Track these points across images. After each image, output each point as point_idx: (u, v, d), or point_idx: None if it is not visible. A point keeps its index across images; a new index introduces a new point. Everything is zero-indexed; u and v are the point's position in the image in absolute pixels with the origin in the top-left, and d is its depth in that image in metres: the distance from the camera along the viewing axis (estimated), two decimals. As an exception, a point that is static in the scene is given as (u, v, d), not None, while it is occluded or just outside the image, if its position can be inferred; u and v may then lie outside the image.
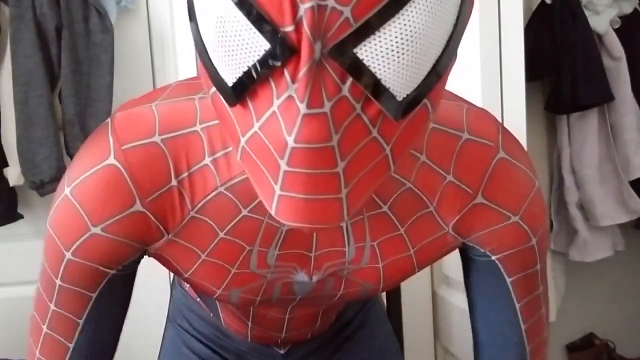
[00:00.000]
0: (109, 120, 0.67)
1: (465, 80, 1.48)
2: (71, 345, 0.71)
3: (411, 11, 0.44)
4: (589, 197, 2.02)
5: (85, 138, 1.66)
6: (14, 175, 1.69)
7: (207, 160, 0.65)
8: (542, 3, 1.96)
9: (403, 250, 0.71)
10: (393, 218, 0.69)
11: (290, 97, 0.45)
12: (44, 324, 0.71)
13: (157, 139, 0.64)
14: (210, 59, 0.49)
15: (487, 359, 0.81)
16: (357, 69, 0.45)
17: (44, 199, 1.76)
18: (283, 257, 0.70)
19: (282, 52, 0.44)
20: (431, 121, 0.53)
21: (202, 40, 0.50)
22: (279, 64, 0.44)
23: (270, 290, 0.73)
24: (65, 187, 0.66)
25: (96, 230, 0.65)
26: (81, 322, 0.71)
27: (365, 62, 0.45)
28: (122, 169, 0.64)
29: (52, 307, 0.70)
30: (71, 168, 0.67)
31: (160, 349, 1.03)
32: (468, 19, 0.52)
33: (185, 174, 0.65)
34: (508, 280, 0.74)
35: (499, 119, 1.40)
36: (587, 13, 1.94)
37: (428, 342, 2.02)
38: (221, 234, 0.67)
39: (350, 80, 0.45)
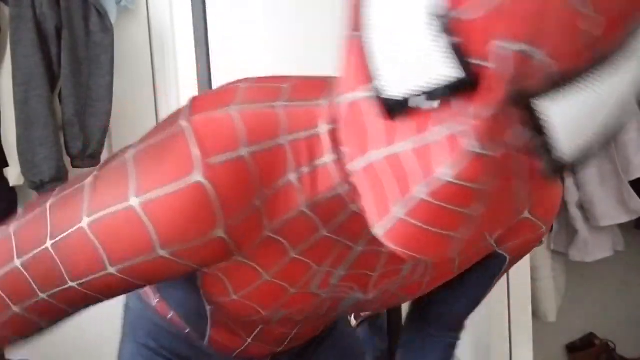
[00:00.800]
0: (185, 123, 0.57)
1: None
2: (43, 325, 0.64)
3: (612, 84, 0.43)
4: (589, 197, 2.02)
5: (85, 138, 1.67)
6: (14, 175, 1.69)
7: (292, 176, 0.58)
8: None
9: (450, 263, 0.71)
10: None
11: (464, 131, 0.42)
12: (14, 304, 0.61)
13: (244, 152, 0.56)
14: (375, 66, 0.46)
15: (450, 305, 0.86)
16: (536, 123, 0.43)
17: (44, 199, 1.76)
18: (346, 278, 0.67)
19: (473, 84, 0.41)
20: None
21: (368, 44, 0.46)
22: (464, 93, 0.42)
23: (317, 309, 0.70)
24: (131, 195, 0.56)
25: (163, 253, 0.57)
26: (70, 311, 0.63)
27: (548, 117, 0.43)
28: (210, 188, 0.55)
29: (42, 294, 0.61)
30: (141, 170, 0.56)
31: None
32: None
33: (268, 193, 0.58)
34: (502, 269, 0.78)
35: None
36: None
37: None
38: (293, 254, 0.62)
39: (528, 133, 0.44)
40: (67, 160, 1.68)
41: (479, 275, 0.80)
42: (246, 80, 0.64)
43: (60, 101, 1.68)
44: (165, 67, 1.84)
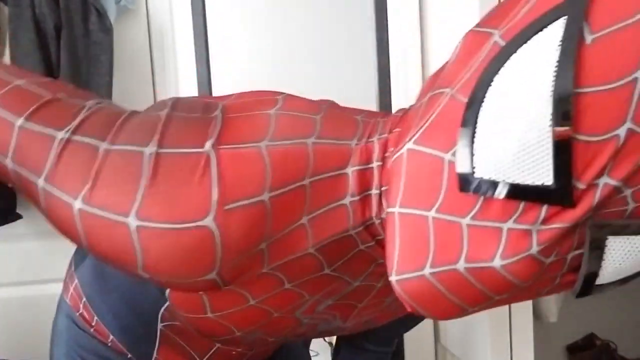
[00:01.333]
0: (211, 151, 0.52)
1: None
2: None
3: None
4: (590, 197, 2.01)
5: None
6: (13, 175, 1.68)
7: (305, 219, 0.55)
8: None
9: None
10: None
11: (529, 231, 0.43)
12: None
13: (265, 197, 0.53)
14: (474, 133, 0.45)
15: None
16: (595, 251, 0.45)
17: (43, 199, 1.76)
18: (332, 307, 0.66)
19: (561, 200, 0.42)
20: None
21: (477, 108, 0.45)
22: (549, 203, 0.43)
23: (293, 332, 0.68)
24: (131, 214, 0.52)
25: (143, 273, 0.55)
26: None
27: (606, 248, 0.45)
28: (216, 234, 0.52)
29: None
30: (151, 195, 0.52)
31: None
32: None
33: (278, 236, 0.55)
34: None
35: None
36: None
37: (428, 342, 2.01)
38: (287, 285, 0.59)
39: (580, 251, 0.45)
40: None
41: None
42: (279, 100, 0.59)
43: (59, 101, 1.67)
44: (165, 67, 1.83)
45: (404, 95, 1.81)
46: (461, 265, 0.45)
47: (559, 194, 0.42)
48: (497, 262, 0.44)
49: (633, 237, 0.44)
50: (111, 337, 0.80)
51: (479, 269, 0.45)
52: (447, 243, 0.46)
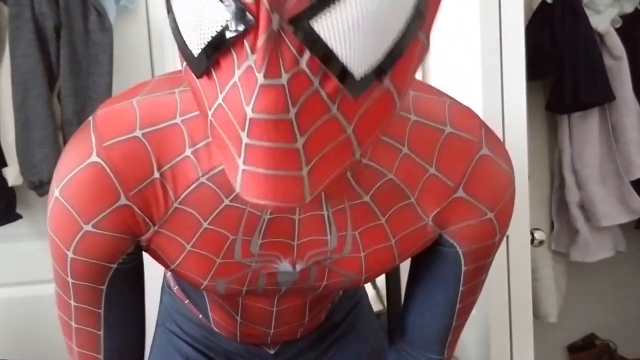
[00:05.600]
0: (90, 118, 0.68)
1: (466, 80, 1.47)
2: (100, 333, 0.75)
3: None
4: (590, 197, 2.01)
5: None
6: (12, 175, 1.68)
7: (188, 151, 0.66)
8: (543, 2, 1.95)
9: (384, 240, 0.72)
10: (374, 208, 0.70)
11: (249, 67, 0.45)
12: (71, 320, 0.75)
13: (138, 133, 0.65)
14: (180, 33, 0.50)
15: (416, 316, 0.84)
16: (314, 42, 0.45)
17: (42, 199, 1.76)
18: (266, 245, 0.71)
19: (241, 22, 0.44)
20: (398, 107, 0.52)
21: (174, 18, 0.50)
22: (236, 33, 0.45)
23: (255, 280, 0.74)
24: (54, 189, 0.67)
25: (88, 227, 0.67)
26: (101, 312, 0.74)
27: (321, 35, 0.44)
28: (104, 165, 0.65)
29: (72, 302, 0.73)
30: (58, 169, 0.68)
31: (150, 353, 1.02)
32: (435, 5, 0.52)
33: (167, 166, 0.66)
34: (463, 268, 0.76)
35: (500, 119, 1.39)
36: (588, 12, 1.93)
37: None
38: (205, 224, 0.68)
39: (308, 53, 0.45)
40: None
41: (438, 279, 0.78)
42: (164, 74, 0.72)
43: (59, 101, 1.67)
44: (165, 67, 1.83)
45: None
46: (243, 136, 0.47)
47: (237, 19, 0.45)
48: (249, 111, 0.45)
49: (333, 6, 0.44)
50: (186, 300, 0.96)
51: (250, 128, 0.46)
52: (227, 127, 0.48)
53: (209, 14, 0.46)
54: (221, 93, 0.47)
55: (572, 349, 2.34)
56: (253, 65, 0.44)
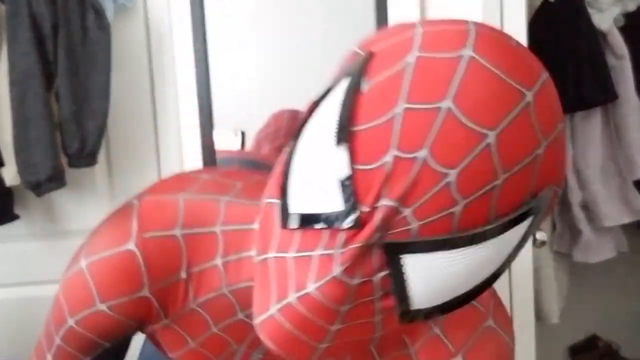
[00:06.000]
0: (136, 202, 0.70)
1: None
2: None
3: (466, 254, 0.49)
4: (592, 197, 2.00)
5: (82, 137, 1.66)
6: (10, 175, 1.67)
7: (219, 261, 0.68)
8: (546, 1, 1.94)
9: None
10: (374, 352, 0.71)
11: (331, 255, 0.49)
12: None
13: (177, 232, 0.67)
14: (287, 178, 0.54)
15: None
16: (395, 269, 0.50)
17: (40, 199, 1.75)
18: None
19: (348, 222, 0.49)
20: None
21: (290, 160, 0.54)
22: (343, 228, 0.49)
23: None
24: (82, 259, 0.69)
25: (102, 307, 0.69)
26: None
27: (403, 268, 0.50)
28: (139, 255, 0.67)
29: (49, 357, 0.75)
30: (92, 240, 0.70)
31: None
32: (517, 254, 0.55)
33: (195, 269, 0.68)
34: None
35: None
36: (590, 11, 1.92)
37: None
38: (214, 329, 0.70)
39: (385, 272, 0.50)
40: (63, 159, 1.67)
41: None
42: (210, 172, 0.75)
43: (56, 100, 1.66)
44: (163, 66, 1.82)
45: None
46: (292, 296, 0.51)
47: (347, 218, 0.49)
48: (311, 287, 0.49)
49: (425, 254, 0.49)
50: None
51: (303, 297, 0.50)
52: (281, 278, 0.52)
53: (326, 192, 0.50)
54: (293, 252, 0.52)
55: (574, 350, 2.33)
56: (336, 257, 0.49)
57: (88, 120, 1.65)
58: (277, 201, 0.55)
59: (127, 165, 1.84)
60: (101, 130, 1.67)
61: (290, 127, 1.29)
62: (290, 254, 0.52)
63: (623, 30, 1.97)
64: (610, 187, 2.01)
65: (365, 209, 0.48)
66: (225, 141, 1.83)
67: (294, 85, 1.85)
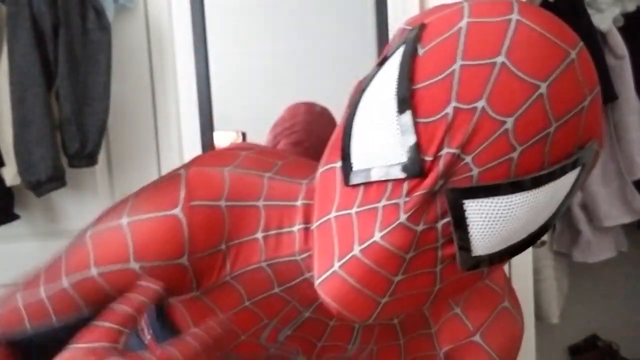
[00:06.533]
0: (183, 172, 0.70)
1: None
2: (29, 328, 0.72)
3: (524, 198, 0.52)
4: (592, 197, 2.00)
5: (82, 137, 1.66)
6: (10, 175, 1.67)
7: (259, 234, 0.69)
8: (545, 1, 1.94)
9: (395, 357, 0.76)
10: (399, 330, 0.74)
11: (397, 204, 0.52)
12: (20, 302, 0.72)
13: (222, 203, 0.68)
14: (350, 140, 0.57)
15: None
16: (457, 217, 0.53)
17: (40, 199, 1.74)
18: (292, 338, 0.74)
19: (414, 172, 0.52)
20: (483, 278, 0.60)
21: (350, 125, 0.58)
22: (404, 177, 0.52)
23: None
24: (124, 215, 0.68)
25: (135, 266, 0.67)
26: (56, 321, 0.71)
27: (466, 214, 0.53)
28: (184, 222, 0.67)
29: (42, 294, 0.71)
30: (138, 199, 0.69)
31: None
32: (566, 204, 0.58)
33: (235, 242, 0.69)
34: None
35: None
36: (590, 11, 1.92)
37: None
38: (247, 303, 0.70)
39: (447, 219, 0.53)
40: (64, 159, 1.67)
41: None
42: (251, 148, 0.75)
43: (57, 100, 1.66)
44: (164, 66, 1.82)
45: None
46: (357, 249, 0.53)
47: (412, 167, 0.52)
48: (377, 235, 0.52)
49: (488, 199, 0.52)
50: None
51: (368, 248, 0.52)
52: (345, 234, 0.54)
53: (387, 145, 0.54)
54: (357, 207, 0.54)
55: (574, 350, 2.33)
56: (401, 205, 0.52)
57: (88, 120, 1.65)
58: (337, 164, 0.58)
59: (127, 165, 1.84)
60: (101, 130, 1.67)
61: (306, 121, 1.29)
62: (354, 210, 0.54)
63: (622, 30, 1.97)
64: (610, 187, 2.01)
65: (429, 158, 0.52)
66: (227, 142, 1.83)
67: (294, 85, 1.85)
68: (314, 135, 1.33)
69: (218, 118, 1.79)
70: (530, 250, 1.64)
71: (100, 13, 1.65)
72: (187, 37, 1.78)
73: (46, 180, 1.63)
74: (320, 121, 1.27)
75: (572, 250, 2.08)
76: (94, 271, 0.68)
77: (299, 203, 0.69)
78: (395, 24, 1.80)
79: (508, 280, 0.77)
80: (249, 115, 1.85)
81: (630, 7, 1.98)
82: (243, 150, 0.74)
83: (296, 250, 0.68)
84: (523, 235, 0.56)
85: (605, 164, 2.00)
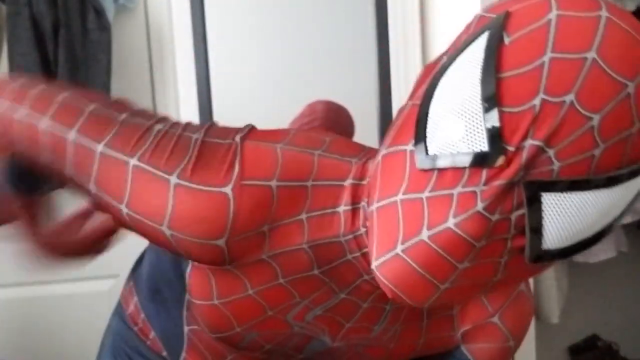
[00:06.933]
0: (238, 142, 0.66)
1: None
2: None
3: (600, 196, 0.52)
4: (592, 197, 2.00)
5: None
6: (10, 175, 1.68)
7: (304, 215, 0.67)
8: None
9: (416, 337, 0.77)
10: (424, 311, 0.75)
11: (474, 192, 0.51)
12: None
13: (274, 183, 0.65)
14: (426, 123, 0.55)
15: None
16: (533, 209, 0.52)
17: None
18: (321, 318, 0.72)
19: (494, 161, 0.51)
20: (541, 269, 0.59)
21: (427, 106, 0.56)
22: (484, 165, 0.51)
23: (286, 341, 0.75)
24: (175, 173, 0.64)
25: (166, 231, 0.65)
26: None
27: (542, 206, 0.52)
28: (232, 203, 0.64)
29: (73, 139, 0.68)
30: (193, 162, 0.65)
31: None
32: (634, 204, 0.58)
33: (279, 223, 0.66)
34: None
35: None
36: (590, 11, 1.92)
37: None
38: (281, 280, 0.69)
39: (522, 211, 0.52)
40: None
41: None
42: (299, 129, 0.73)
43: (57, 100, 1.67)
44: (163, 66, 1.82)
45: (404, 91, 1.80)
46: (425, 234, 0.52)
47: (493, 156, 0.51)
48: (451, 222, 0.51)
49: (565, 194, 0.51)
50: (152, 334, 0.92)
51: (438, 233, 0.52)
52: (413, 218, 0.53)
53: (469, 133, 0.52)
54: (429, 191, 0.53)
55: (574, 350, 2.33)
56: (479, 193, 0.51)
57: (88, 120, 1.66)
58: (408, 147, 0.56)
59: (127, 165, 1.84)
60: (101, 130, 1.68)
61: (325, 117, 1.29)
62: (425, 194, 0.53)
63: (623, 30, 1.97)
64: (610, 187, 2.01)
65: (511, 148, 0.51)
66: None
67: (294, 85, 1.85)
68: (331, 129, 1.34)
69: (218, 118, 1.79)
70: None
71: (100, 13, 1.65)
72: (187, 37, 1.78)
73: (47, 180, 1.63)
74: (338, 117, 1.28)
75: (572, 250, 2.08)
76: (124, 210, 0.66)
77: (347, 182, 0.67)
78: (395, 23, 1.80)
79: None
80: (249, 115, 1.86)
81: (630, 7, 1.98)
82: (297, 128, 0.72)
83: (341, 232, 0.66)
84: (592, 232, 0.55)
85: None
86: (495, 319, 0.76)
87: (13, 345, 1.88)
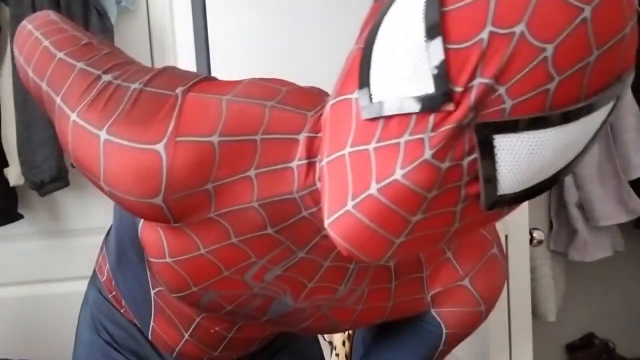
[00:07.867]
0: (181, 94, 0.63)
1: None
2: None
3: (556, 134, 0.48)
4: (588, 197, 2.01)
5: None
6: (14, 175, 1.69)
7: (252, 172, 0.62)
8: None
9: (385, 300, 0.74)
10: (392, 272, 0.73)
11: (421, 139, 0.48)
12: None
13: (215, 139, 0.61)
14: (369, 68, 0.51)
15: None
16: (485, 152, 0.48)
17: (44, 199, 1.76)
18: (282, 278, 0.69)
19: (442, 104, 0.47)
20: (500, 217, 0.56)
21: (370, 49, 0.52)
22: (430, 109, 0.47)
23: (247, 302, 0.72)
24: (103, 127, 0.62)
25: (104, 186, 0.64)
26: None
27: (495, 150, 0.48)
28: (164, 162, 0.61)
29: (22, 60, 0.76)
30: (124, 116, 0.62)
31: (75, 355, 0.97)
32: (595, 141, 0.54)
33: (224, 181, 0.62)
34: (440, 348, 0.78)
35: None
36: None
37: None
38: (234, 239, 0.65)
39: (474, 156, 0.48)
40: (67, 160, 1.69)
41: (412, 340, 0.79)
42: (255, 78, 0.69)
43: (60, 101, 1.68)
44: (165, 68, 1.83)
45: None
46: (374, 188, 0.49)
47: (440, 99, 0.47)
48: (399, 173, 0.48)
49: (519, 134, 0.47)
50: (124, 303, 0.90)
51: (387, 186, 0.48)
52: (361, 172, 0.50)
53: (415, 76, 0.48)
54: (376, 142, 0.50)
55: (571, 348, 2.34)
56: (426, 140, 0.47)
57: (91, 121, 1.67)
58: (353, 95, 0.52)
59: (129, 165, 1.85)
60: (104, 131, 1.69)
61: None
62: (372, 145, 0.50)
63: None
64: (606, 186, 2.02)
65: (459, 89, 0.47)
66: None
67: (296, 81, 1.86)
68: None
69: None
70: (527, 249, 1.66)
71: (102, 15, 1.66)
72: (188, 39, 1.79)
73: (49, 180, 1.64)
74: None
75: (568, 249, 2.09)
76: (74, 162, 0.66)
77: (301, 136, 0.63)
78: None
79: (496, 230, 0.77)
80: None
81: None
82: (251, 79, 0.68)
83: (294, 188, 0.62)
84: (549, 173, 0.51)
85: (601, 163, 2.02)
86: (466, 282, 0.74)
87: (13, 343, 1.89)
